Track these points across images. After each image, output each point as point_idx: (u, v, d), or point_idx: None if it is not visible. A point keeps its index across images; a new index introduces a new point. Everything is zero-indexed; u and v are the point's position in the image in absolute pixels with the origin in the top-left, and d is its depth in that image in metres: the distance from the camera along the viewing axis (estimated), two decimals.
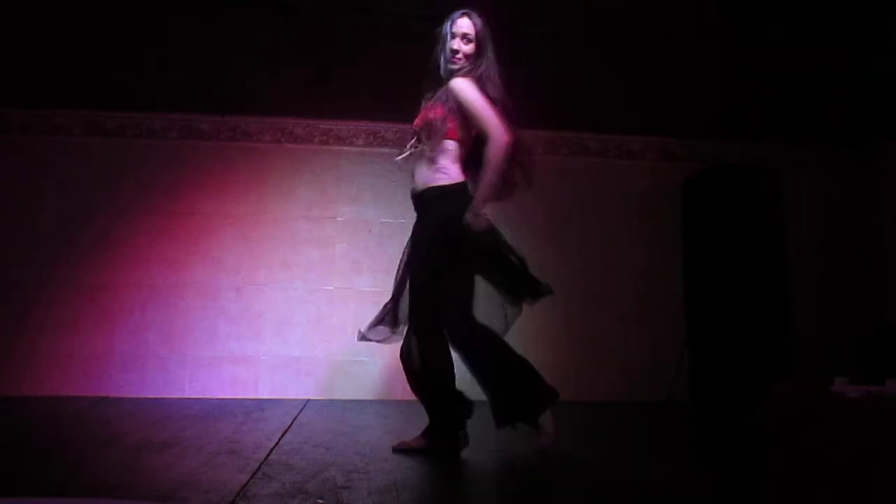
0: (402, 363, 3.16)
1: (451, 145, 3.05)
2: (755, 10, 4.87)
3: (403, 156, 3.23)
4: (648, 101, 4.96)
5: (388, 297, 3.22)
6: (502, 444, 3.33)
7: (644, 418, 4.28)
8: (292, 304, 4.72)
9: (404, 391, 4.46)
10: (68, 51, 4.68)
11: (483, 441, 3.37)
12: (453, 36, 3.07)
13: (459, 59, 3.07)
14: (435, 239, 3.02)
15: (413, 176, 3.14)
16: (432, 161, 3.05)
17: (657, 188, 4.99)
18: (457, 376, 3.13)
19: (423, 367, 3.10)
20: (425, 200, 3.08)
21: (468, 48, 3.07)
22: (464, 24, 3.08)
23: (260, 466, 2.73)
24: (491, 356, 3.05)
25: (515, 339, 4.75)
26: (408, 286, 3.13)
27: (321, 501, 2.26)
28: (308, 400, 4.49)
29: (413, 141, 3.20)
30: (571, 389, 4.70)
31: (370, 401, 4.54)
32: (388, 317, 3.17)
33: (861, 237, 5.10)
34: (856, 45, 5.06)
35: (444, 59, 3.09)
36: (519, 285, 3.14)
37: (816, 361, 4.64)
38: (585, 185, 5.00)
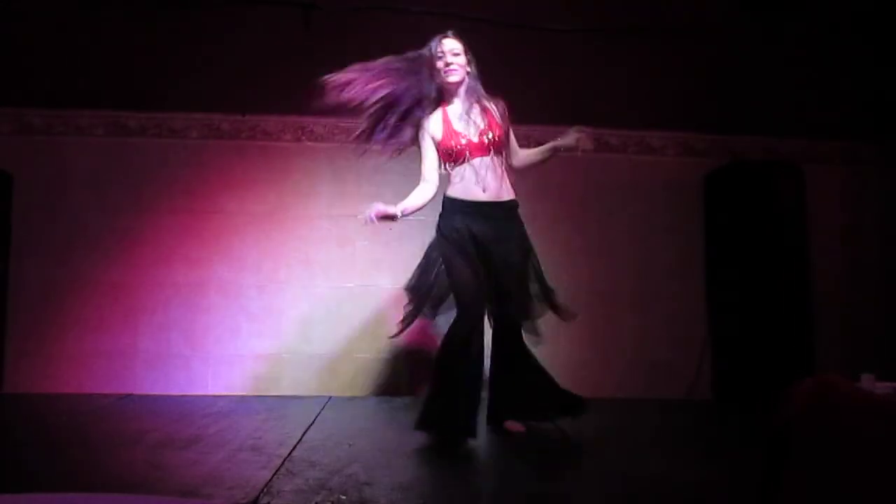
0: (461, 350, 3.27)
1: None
2: (777, 3, 4.82)
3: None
4: (669, 97, 4.92)
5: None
6: (523, 439, 3.33)
7: (666, 416, 4.25)
8: (314, 302, 4.74)
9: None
10: (90, 52, 4.72)
11: (504, 436, 3.37)
12: (443, 53, 3.37)
13: (454, 70, 3.38)
14: (522, 247, 3.44)
15: (482, 183, 3.36)
16: (502, 175, 3.42)
17: (678, 184, 4.96)
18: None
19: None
20: (509, 210, 3.44)
21: (459, 60, 3.39)
22: (450, 43, 3.40)
23: (283, 463, 2.75)
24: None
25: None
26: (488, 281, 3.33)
27: (344, 498, 2.27)
28: (330, 397, 4.51)
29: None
30: (592, 386, 4.71)
31: (393, 398, 4.55)
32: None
33: (885, 233, 5.04)
34: (879, 40, 4.99)
35: (436, 73, 3.39)
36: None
37: (840, 358, 4.60)
38: (606, 181, 4.97)
